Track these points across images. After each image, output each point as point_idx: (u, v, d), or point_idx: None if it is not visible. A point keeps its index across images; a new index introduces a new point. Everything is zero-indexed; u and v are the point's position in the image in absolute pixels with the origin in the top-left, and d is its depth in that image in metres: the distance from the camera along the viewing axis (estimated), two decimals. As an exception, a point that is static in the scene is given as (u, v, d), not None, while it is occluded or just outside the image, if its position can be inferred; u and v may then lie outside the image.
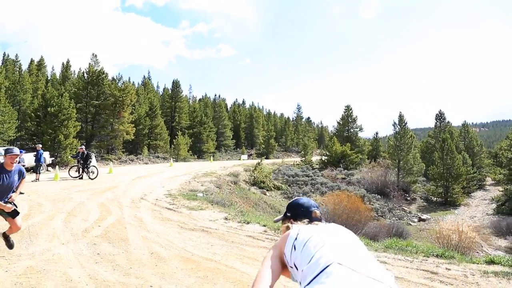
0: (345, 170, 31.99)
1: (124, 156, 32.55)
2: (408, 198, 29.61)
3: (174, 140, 39.61)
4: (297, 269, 1.42)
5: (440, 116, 46.40)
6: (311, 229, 1.56)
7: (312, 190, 23.06)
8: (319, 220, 1.72)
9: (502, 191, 26.04)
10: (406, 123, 33.86)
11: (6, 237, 4.75)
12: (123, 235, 6.47)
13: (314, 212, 1.73)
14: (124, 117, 32.40)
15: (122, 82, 38.02)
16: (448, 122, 46.55)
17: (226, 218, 8.65)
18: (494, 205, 25.24)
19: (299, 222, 1.70)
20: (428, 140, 45.04)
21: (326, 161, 34.78)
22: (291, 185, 24.66)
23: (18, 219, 4.61)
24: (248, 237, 6.77)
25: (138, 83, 58.79)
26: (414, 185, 31.69)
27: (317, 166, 34.15)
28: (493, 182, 33.90)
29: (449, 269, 4.86)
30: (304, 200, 1.80)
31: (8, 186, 4.48)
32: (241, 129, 60.06)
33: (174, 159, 33.64)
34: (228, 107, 67.84)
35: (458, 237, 12.80)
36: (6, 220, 4.63)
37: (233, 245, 6.01)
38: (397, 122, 33.63)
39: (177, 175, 19.93)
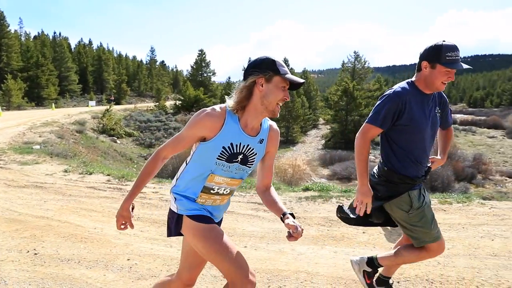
0: (199, 114, 32.65)
1: None
2: (256, 139, 32.28)
3: (2, 85, 33.22)
4: None
5: (285, 63, 50.53)
6: None
7: (165, 135, 22.95)
8: None
9: (329, 129, 30.85)
10: (255, 68, 35.83)
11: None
12: None
13: None
14: None
15: None
16: (292, 68, 51.27)
17: (66, 171, 8.07)
18: (323, 141, 29.84)
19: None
20: (275, 85, 48.90)
21: (180, 105, 34.64)
22: (144, 131, 23.99)
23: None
24: (89, 188, 6.51)
25: None
26: (261, 126, 34.54)
27: (171, 111, 33.82)
28: (324, 122, 39.59)
29: (273, 199, 5.70)
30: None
31: (434, 131, 2.31)
32: (88, 73, 54.02)
33: (4, 108, 28.50)
34: (72, 48, 59.53)
35: (293, 170, 14.85)
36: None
37: (71, 199, 5.71)
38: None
39: (8, 126, 17.08)
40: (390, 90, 2.23)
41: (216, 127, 1.73)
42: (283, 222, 1.77)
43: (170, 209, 1.90)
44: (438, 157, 2.49)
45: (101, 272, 3.16)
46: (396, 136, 2.22)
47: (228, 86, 46.71)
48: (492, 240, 3.85)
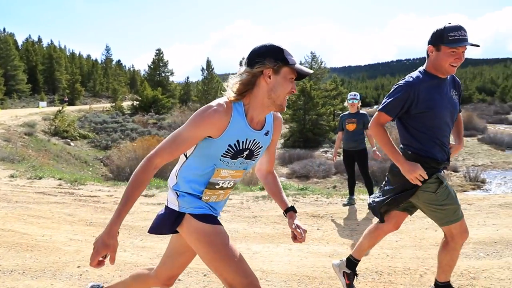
0: (157, 115, 31.92)
1: None
2: (217, 139, 32.11)
3: None
4: None
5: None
6: None
7: (122, 136, 22.22)
8: None
9: (288, 128, 31.30)
10: (213, 68, 35.88)
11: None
12: None
13: None
14: None
15: None
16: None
17: (12, 176, 7.67)
18: (282, 140, 30.22)
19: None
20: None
21: (137, 106, 33.78)
22: (99, 133, 23.10)
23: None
24: (37, 193, 6.21)
25: None
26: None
27: (128, 112, 32.87)
28: (283, 121, 40.31)
29: (230, 199, 5.71)
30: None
31: (454, 113, 2.31)
32: (38, 72, 51.14)
33: None
34: (19, 45, 56.10)
35: (252, 169, 14.94)
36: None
37: (17, 205, 5.41)
38: (205, 68, 35.19)
39: None
40: (402, 80, 2.25)
41: (223, 125, 1.56)
42: (286, 216, 1.81)
43: (167, 206, 1.75)
44: (454, 143, 2.47)
45: (48, 281, 3.02)
46: (416, 124, 2.22)
47: (187, 86, 46.24)
48: (436, 231, 4.09)
